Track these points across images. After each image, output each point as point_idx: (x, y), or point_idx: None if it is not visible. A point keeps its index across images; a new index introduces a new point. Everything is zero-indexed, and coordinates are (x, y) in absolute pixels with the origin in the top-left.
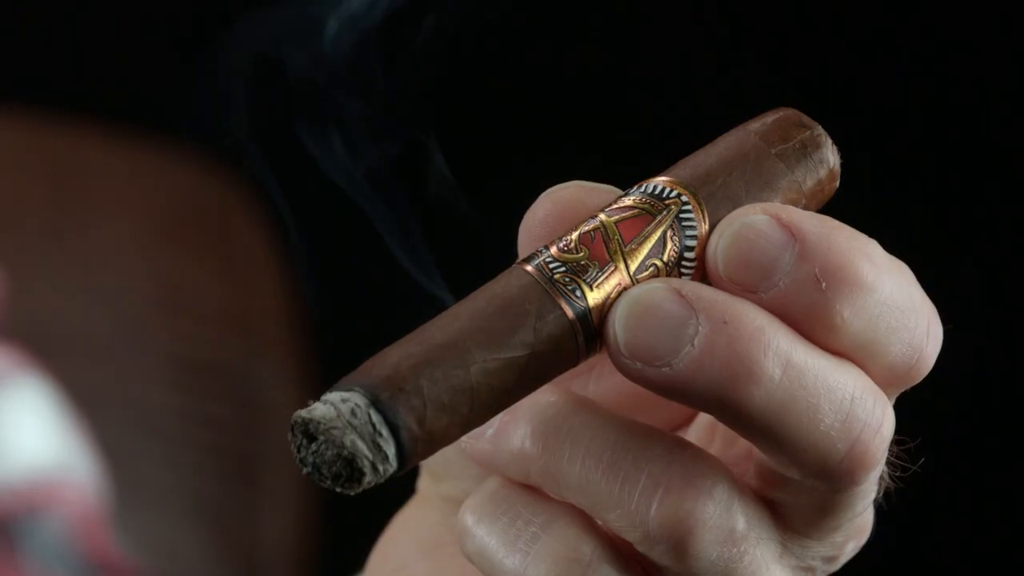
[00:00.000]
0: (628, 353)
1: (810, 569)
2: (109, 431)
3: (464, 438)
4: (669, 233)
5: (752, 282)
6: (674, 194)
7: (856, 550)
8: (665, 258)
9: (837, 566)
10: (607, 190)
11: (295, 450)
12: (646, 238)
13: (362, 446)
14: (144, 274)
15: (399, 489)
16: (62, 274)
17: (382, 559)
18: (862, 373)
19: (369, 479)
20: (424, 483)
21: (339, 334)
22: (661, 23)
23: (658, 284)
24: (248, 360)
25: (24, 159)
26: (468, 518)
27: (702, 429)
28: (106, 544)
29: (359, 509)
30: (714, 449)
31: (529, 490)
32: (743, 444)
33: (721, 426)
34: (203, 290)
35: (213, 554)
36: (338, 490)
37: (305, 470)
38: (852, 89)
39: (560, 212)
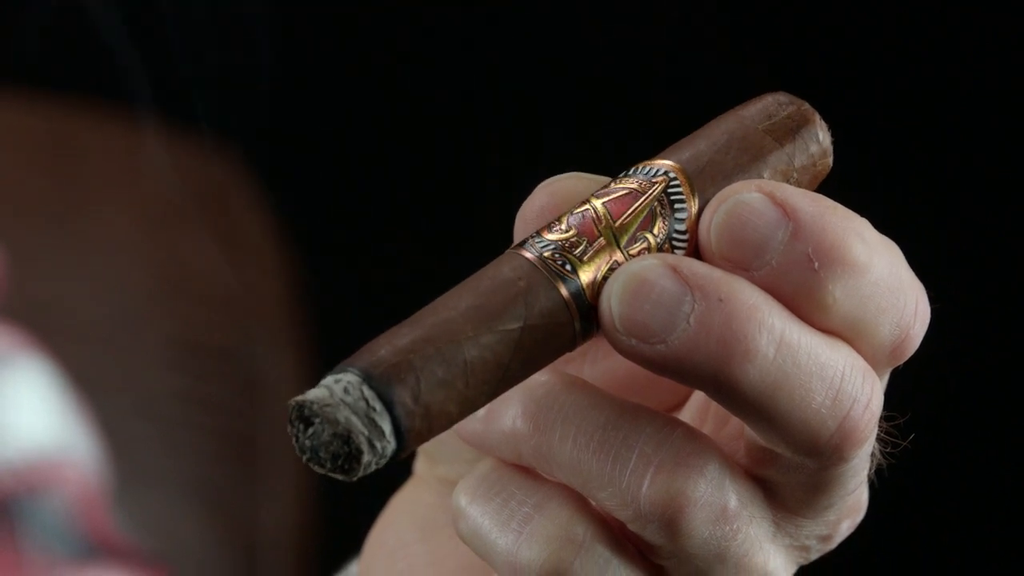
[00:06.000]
0: (623, 329)
1: (804, 548)
2: (109, 412)
3: None
4: (658, 208)
5: (744, 259)
6: (662, 172)
7: (851, 529)
8: (655, 232)
9: (832, 545)
10: (603, 180)
11: (294, 439)
12: (634, 213)
13: (356, 421)
14: (144, 256)
15: (397, 471)
16: (62, 256)
17: (379, 540)
18: (852, 350)
19: (368, 458)
20: (420, 465)
21: (339, 316)
22: (661, 14)
23: (653, 260)
24: (248, 342)
25: (26, 141)
26: (461, 499)
27: (695, 410)
28: (105, 524)
29: (357, 491)
30: (706, 429)
31: (522, 471)
32: (735, 424)
33: (713, 407)
34: (203, 272)
35: (212, 535)
36: (339, 477)
37: (304, 457)
38: (849, 81)
39: (557, 204)
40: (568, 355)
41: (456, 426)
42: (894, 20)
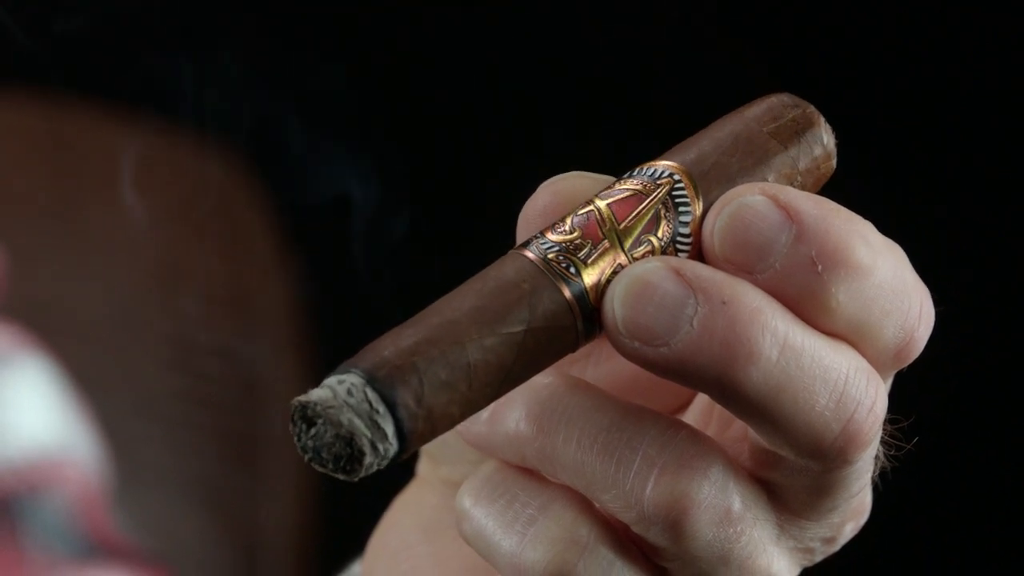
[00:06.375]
0: (626, 332)
1: (809, 551)
2: (109, 411)
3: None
4: (662, 211)
5: (748, 262)
6: (667, 174)
7: (855, 531)
8: (659, 235)
9: (836, 547)
10: (606, 180)
11: (296, 438)
12: (639, 216)
13: (359, 424)
14: (144, 255)
15: (398, 472)
16: (63, 255)
17: (382, 542)
18: (856, 353)
19: (370, 460)
20: (424, 466)
21: (339, 315)
22: (661, 14)
23: (656, 263)
24: (248, 341)
25: (25, 139)
26: (465, 501)
27: (698, 412)
28: (106, 524)
29: (358, 491)
30: (710, 432)
31: (526, 472)
32: (739, 426)
33: (717, 409)
34: (204, 271)
35: (212, 535)
36: (341, 477)
37: (307, 456)
38: (849, 81)
39: (560, 203)
40: (571, 356)
41: (460, 428)
42: (894, 20)
